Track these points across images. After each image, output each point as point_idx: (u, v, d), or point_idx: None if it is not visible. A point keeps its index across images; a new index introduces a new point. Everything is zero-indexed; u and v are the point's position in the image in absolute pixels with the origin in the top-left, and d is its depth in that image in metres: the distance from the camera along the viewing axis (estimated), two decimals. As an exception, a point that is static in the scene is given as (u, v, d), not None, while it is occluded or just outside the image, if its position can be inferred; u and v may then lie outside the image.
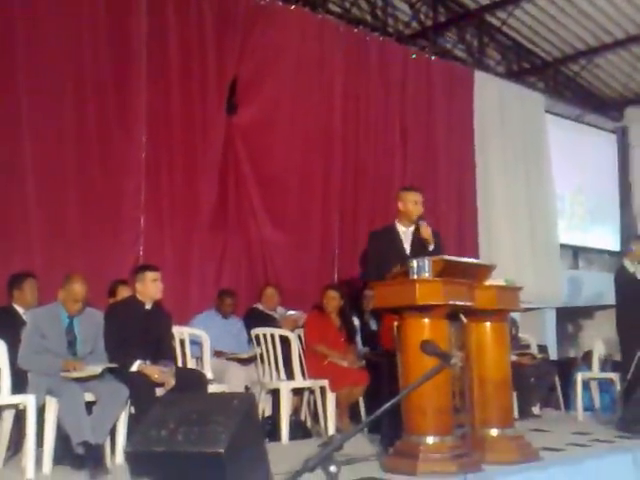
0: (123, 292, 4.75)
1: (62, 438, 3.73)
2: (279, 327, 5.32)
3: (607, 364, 6.44)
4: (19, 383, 3.80)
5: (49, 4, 5.10)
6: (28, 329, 3.94)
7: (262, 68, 6.31)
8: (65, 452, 3.74)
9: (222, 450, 2.67)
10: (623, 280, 5.79)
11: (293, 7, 6.77)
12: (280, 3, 6.66)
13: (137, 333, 4.15)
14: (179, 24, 5.77)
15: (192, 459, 2.73)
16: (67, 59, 5.18)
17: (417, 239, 4.31)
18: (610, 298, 6.00)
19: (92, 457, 3.58)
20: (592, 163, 9.93)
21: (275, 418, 4.94)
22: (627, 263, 5.88)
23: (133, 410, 3.92)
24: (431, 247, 4.22)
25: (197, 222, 5.82)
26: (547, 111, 9.11)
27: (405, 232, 4.36)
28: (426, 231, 4.24)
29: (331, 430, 4.89)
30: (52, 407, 3.70)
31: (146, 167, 5.53)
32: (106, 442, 3.82)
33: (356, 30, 7.28)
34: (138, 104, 5.49)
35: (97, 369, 3.84)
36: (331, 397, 4.99)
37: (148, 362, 4.03)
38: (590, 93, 10.16)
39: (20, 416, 3.71)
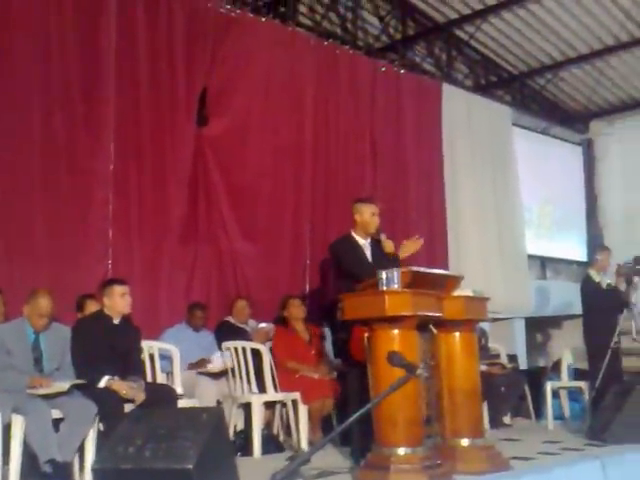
0: (91, 306, 4.68)
1: (29, 456, 3.65)
2: (250, 340, 5.29)
3: (575, 373, 6.52)
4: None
5: (16, 14, 5.03)
6: (-8, 345, 3.86)
7: (232, 79, 6.31)
8: (32, 470, 3.67)
9: (191, 466, 2.64)
10: (589, 290, 5.89)
11: (264, 19, 6.79)
12: (251, 15, 6.69)
13: (105, 348, 4.10)
14: (148, 34, 5.74)
15: (160, 476, 2.69)
16: (34, 70, 5.11)
17: (375, 250, 4.35)
18: (578, 308, 6.09)
19: (60, 475, 3.54)
20: (559, 175, 10.10)
21: (247, 432, 4.90)
22: (592, 273, 5.98)
23: (102, 427, 3.86)
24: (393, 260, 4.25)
25: (167, 234, 5.77)
26: (514, 124, 9.25)
27: (364, 244, 4.40)
28: (389, 246, 4.28)
29: (304, 443, 4.86)
30: (18, 425, 3.62)
31: (114, 178, 5.47)
32: (74, 460, 3.76)
33: (326, 43, 7.32)
34: (106, 114, 5.44)
35: (64, 385, 3.78)
36: (303, 410, 4.96)
37: (117, 378, 3.98)
38: (556, 106, 10.35)
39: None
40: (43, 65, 5.16)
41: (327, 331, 5.83)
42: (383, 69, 7.69)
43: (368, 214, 4.36)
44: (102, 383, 3.93)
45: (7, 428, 3.60)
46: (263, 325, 5.64)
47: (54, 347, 3.97)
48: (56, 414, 3.71)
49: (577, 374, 6.54)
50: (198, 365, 5.16)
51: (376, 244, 4.41)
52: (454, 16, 8.42)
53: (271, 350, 5.28)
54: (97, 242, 5.35)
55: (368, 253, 4.38)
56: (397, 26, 8.53)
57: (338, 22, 8.27)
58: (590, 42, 8.83)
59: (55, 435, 3.64)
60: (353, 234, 4.42)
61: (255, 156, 6.42)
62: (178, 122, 5.89)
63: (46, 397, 3.72)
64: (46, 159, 5.14)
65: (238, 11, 6.47)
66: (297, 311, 5.45)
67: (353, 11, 8.27)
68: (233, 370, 5.04)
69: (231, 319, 5.66)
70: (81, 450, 3.79)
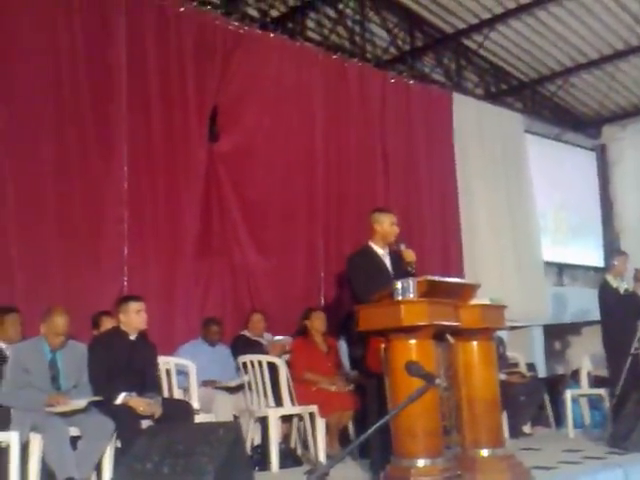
0: (107, 323, 4.69)
1: (47, 474, 3.66)
2: (266, 353, 5.28)
3: (594, 380, 6.43)
4: (2, 420, 3.73)
5: (26, 35, 5.10)
6: (10, 364, 3.89)
7: (242, 95, 6.35)
8: (50, 489, 3.67)
9: (209, 481, 2.63)
10: (607, 296, 5.82)
11: (272, 35, 6.84)
12: (259, 31, 6.73)
13: (122, 365, 4.11)
14: (159, 53, 5.80)
15: (179, 491, 2.68)
16: (46, 90, 5.17)
17: (395, 260, 4.33)
18: (596, 314, 6.03)
19: (78, 493, 3.53)
20: (573, 180, 10.04)
21: (264, 446, 4.88)
22: (610, 278, 5.92)
23: (119, 443, 3.86)
24: (411, 269, 4.21)
25: (181, 250, 5.79)
26: (526, 131, 9.22)
27: (383, 254, 4.37)
28: (410, 255, 4.23)
29: (322, 457, 4.83)
30: (36, 443, 3.64)
31: (128, 197, 5.51)
32: (92, 477, 3.76)
33: (335, 57, 7.36)
34: (119, 134, 5.49)
35: (82, 403, 3.79)
36: (321, 423, 4.93)
37: (134, 394, 3.98)
38: (568, 112, 10.30)
39: (3, 453, 3.63)
40: (54, 86, 5.22)
41: (342, 343, 5.82)
42: (392, 80, 7.70)
43: (387, 223, 4.34)
44: (119, 400, 3.93)
45: (25, 446, 3.61)
46: (279, 338, 5.64)
47: (71, 365, 3.99)
48: (74, 432, 3.72)
49: (597, 381, 6.45)
50: (210, 384, 5.14)
51: (395, 254, 4.37)
52: (462, 26, 8.42)
53: (288, 361, 5.26)
54: (112, 259, 5.39)
55: (387, 262, 4.35)
56: (405, 38, 8.54)
57: (346, 36, 8.29)
58: (600, 47, 8.80)
59: (73, 453, 3.64)
60: (371, 244, 4.39)
61: (267, 170, 6.44)
62: (190, 139, 5.93)
63: (63, 415, 3.73)
64: (60, 178, 5.19)
65: (246, 27, 6.52)
66: (319, 324, 5.44)
67: (361, 24, 8.29)
68: (249, 384, 5.03)
69: (247, 333, 5.66)
70: (99, 467, 3.79)
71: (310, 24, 8.07)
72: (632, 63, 9.09)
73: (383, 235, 4.34)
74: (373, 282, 3.98)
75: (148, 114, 5.71)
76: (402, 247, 4.27)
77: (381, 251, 4.37)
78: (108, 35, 5.53)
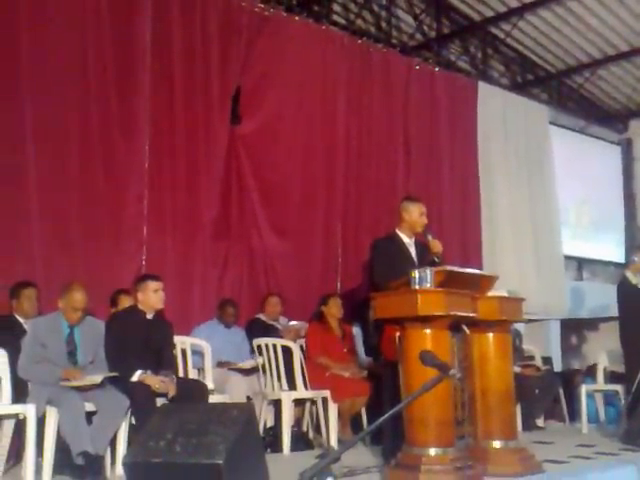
0: (125, 302, 4.73)
1: (62, 448, 3.70)
2: (281, 337, 5.30)
3: (610, 376, 6.38)
4: (20, 393, 3.79)
5: (54, 14, 5.12)
6: (28, 338, 3.93)
7: (266, 78, 6.33)
8: (65, 462, 3.71)
9: (221, 461, 2.65)
10: (626, 292, 5.75)
11: (297, 18, 6.79)
12: (284, 14, 6.70)
13: (138, 343, 4.14)
14: (183, 33, 5.79)
15: (190, 470, 2.70)
16: (71, 68, 5.20)
17: (421, 249, 4.30)
18: (614, 310, 5.95)
19: (92, 468, 3.57)
20: (596, 174, 9.91)
21: (277, 429, 4.91)
22: (629, 274, 5.84)
23: (134, 420, 3.90)
24: (437, 260, 4.18)
25: (200, 231, 5.82)
26: (551, 122, 9.11)
27: (409, 242, 4.34)
28: (437, 245, 4.20)
29: (333, 441, 4.85)
30: (52, 417, 3.68)
31: (149, 176, 5.54)
32: (106, 452, 3.80)
33: (360, 41, 7.30)
34: (141, 113, 5.51)
35: (97, 378, 3.82)
36: (333, 408, 4.95)
37: (149, 372, 4.01)
38: (594, 105, 10.16)
39: (20, 426, 3.69)
40: (79, 64, 5.24)
41: (358, 330, 5.82)
42: (417, 67, 7.63)
43: (417, 213, 4.28)
44: (135, 377, 3.96)
45: (42, 420, 3.66)
46: (294, 323, 5.65)
47: (88, 340, 4.02)
48: (89, 407, 3.75)
49: (613, 377, 6.40)
50: (226, 365, 5.17)
51: (421, 244, 4.34)
52: (490, 14, 8.32)
53: (303, 345, 5.28)
54: (131, 238, 5.43)
55: (413, 252, 4.31)
56: (432, 24, 8.46)
57: (372, 21, 8.23)
58: (630, 39, 8.64)
59: (88, 427, 3.68)
60: (398, 232, 4.35)
61: (287, 155, 6.43)
62: (212, 120, 5.93)
63: (79, 389, 3.76)
64: (82, 157, 5.23)
65: (272, 10, 6.49)
66: (336, 310, 5.45)
67: (387, 9, 8.22)
68: (264, 367, 5.05)
69: (262, 316, 5.68)
70: (113, 443, 3.83)
71: (336, 8, 8.02)
72: (662, 56, 8.93)
73: (411, 224, 4.29)
74: (395, 269, 3.94)
75: (171, 94, 5.72)
76: (429, 237, 4.23)
77: (407, 240, 4.33)
78: (133, 13, 5.53)
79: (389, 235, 4.41)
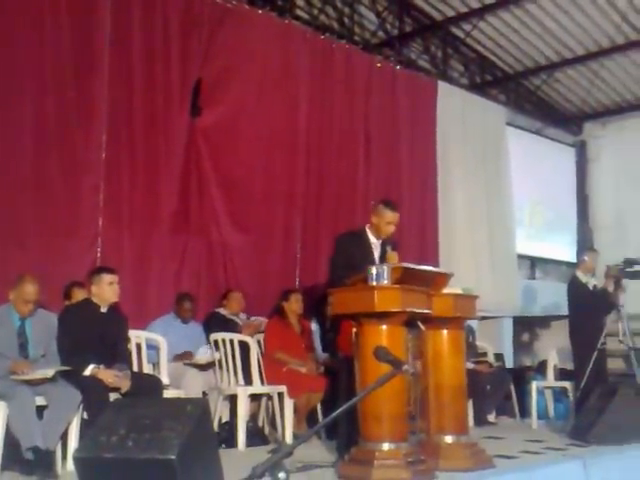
0: (78, 294, 4.65)
1: (11, 443, 3.63)
2: (240, 332, 5.28)
3: (560, 373, 6.55)
4: (-33, 386, 3.70)
5: (11, 7, 4.98)
6: (-23, 331, 3.84)
7: (227, 71, 6.27)
8: (14, 457, 3.64)
9: (173, 456, 2.63)
10: (575, 290, 5.90)
11: (260, 11, 6.75)
12: (247, 7, 6.65)
13: (92, 336, 4.08)
14: (144, 23, 5.70)
15: (143, 466, 2.68)
16: (27, 55, 5.07)
17: (384, 253, 4.28)
18: (566, 308, 6.11)
19: (42, 463, 3.52)
20: (551, 175, 10.12)
21: (232, 424, 4.90)
22: (579, 274, 6.00)
23: (86, 415, 3.84)
24: None
25: (157, 224, 5.75)
26: (508, 123, 9.26)
27: (375, 243, 4.32)
28: (393, 259, 4.11)
29: (289, 437, 4.86)
30: (1, 411, 3.61)
31: (106, 167, 5.44)
32: (57, 448, 3.74)
33: (322, 37, 7.30)
34: (99, 103, 5.41)
35: (49, 372, 3.75)
36: (289, 403, 4.97)
37: (102, 366, 3.96)
38: (550, 107, 10.36)
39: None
40: (36, 52, 5.11)
41: (316, 326, 5.84)
42: (379, 65, 7.68)
43: (385, 221, 4.23)
44: (87, 371, 3.91)
45: (-10, 414, 3.59)
46: (255, 318, 5.64)
47: (40, 333, 3.95)
48: (40, 401, 3.69)
49: (563, 374, 6.57)
50: (183, 357, 5.15)
51: (385, 249, 4.32)
52: (451, 14, 8.40)
53: (260, 340, 5.27)
54: (87, 230, 5.33)
55: (376, 253, 4.30)
56: (394, 22, 8.50)
57: (335, 16, 8.23)
58: (586, 44, 8.84)
59: (39, 422, 3.62)
60: (367, 230, 4.32)
61: (248, 148, 6.40)
62: (171, 112, 5.86)
63: (30, 383, 3.70)
64: (37, 146, 5.10)
65: (234, 2, 6.43)
66: (297, 306, 5.46)
67: (350, 6, 8.24)
68: (220, 362, 5.03)
69: (222, 310, 5.64)
70: (64, 438, 3.77)
71: (299, 2, 7.99)
72: (617, 61, 9.15)
73: (377, 228, 4.28)
74: (354, 268, 3.92)
75: (130, 85, 5.63)
76: (388, 249, 4.22)
77: (374, 240, 4.31)
78: (93, 3, 5.42)
79: (356, 231, 4.39)
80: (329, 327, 4.14)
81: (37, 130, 5.11)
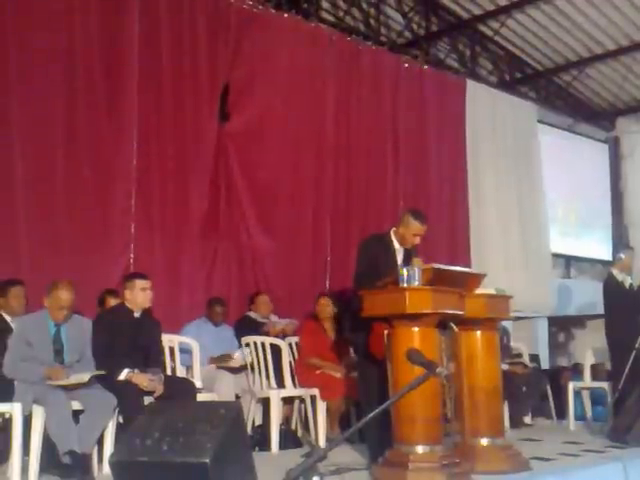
0: (112, 302, 4.70)
1: (49, 447, 3.68)
2: (267, 334, 5.29)
3: (600, 373, 6.43)
4: (6, 391, 3.76)
5: (41, 10, 5.08)
6: (14, 337, 3.91)
7: (254, 75, 6.31)
8: (52, 461, 3.69)
9: (207, 460, 2.64)
10: (611, 289, 5.78)
11: (286, 15, 6.78)
12: (273, 11, 6.68)
13: (126, 341, 4.12)
14: (171, 30, 5.77)
15: (177, 469, 2.69)
16: (59, 65, 5.16)
17: (408, 258, 4.22)
18: (602, 307, 5.99)
19: (79, 466, 3.56)
20: (584, 172, 9.97)
21: (265, 427, 4.90)
22: (615, 272, 5.86)
23: (121, 419, 3.88)
24: None
25: (188, 229, 5.80)
26: (539, 121, 9.15)
27: (398, 249, 4.28)
28: (418, 264, 4.05)
29: (321, 440, 4.85)
30: (39, 416, 3.66)
31: (137, 174, 5.51)
32: (93, 451, 3.78)
33: (349, 39, 7.29)
34: (129, 110, 5.48)
35: (84, 377, 3.79)
36: (322, 406, 4.95)
37: (137, 370, 3.99)
38: (582, 103, 10.21)
39: (6, 425, 3.66)
40: (67, 61, 5.20)
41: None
42: (406, 65, 7.64)
43: (410, 233, 4.16)
44: (122, 376, 3.95)
45: (27, 419, 3.64)
46: (281, 321, 5.64)
47: (75, 339, 4.00)
48: (76, 406, 3.73)
49: (600, 375, 6.44)
50: (220, 360, 5.17)
51: (409, 253, 4.28)
52: (478, 12, 8.34)
53: (290, 346, 5.27)
54: (119, 236, 5.40)
55: (400, 257, 4.24)
56: (420, 22, 8.47)
57: (361, 18, 8.22)
58: (617, 38, 8.69)
59: (75, 427, 3.66)
60: (392, 235, 4.26)
61: (276, 152, 6.42)
62: (200, 118, 5.91)
63: (66, 388, 3.74)
64: (69, 153, 5.19)
65: (260, 7, 6.47)
66: (323, 310, 5.41)
67: (376, 7, 8.22)
68: (252, 365, 5.04)
69: (252, 314, 5.66)
70: (100, 442, 3.81)
71: (325, 5, 8.00)
72: (649, 55, 8.98)
73: (402, 237, 4.25)
74: (377, 273, 3.89)
75: (159, 90, 5.69)
76: (412, 255, 4.13)
77: (398, 246, 4.26)
78: (121, 8, 5.49)
79: (381, 234, 4.34)
80: (359, 329, 4.08)
81: (69, 139, 5.19)
